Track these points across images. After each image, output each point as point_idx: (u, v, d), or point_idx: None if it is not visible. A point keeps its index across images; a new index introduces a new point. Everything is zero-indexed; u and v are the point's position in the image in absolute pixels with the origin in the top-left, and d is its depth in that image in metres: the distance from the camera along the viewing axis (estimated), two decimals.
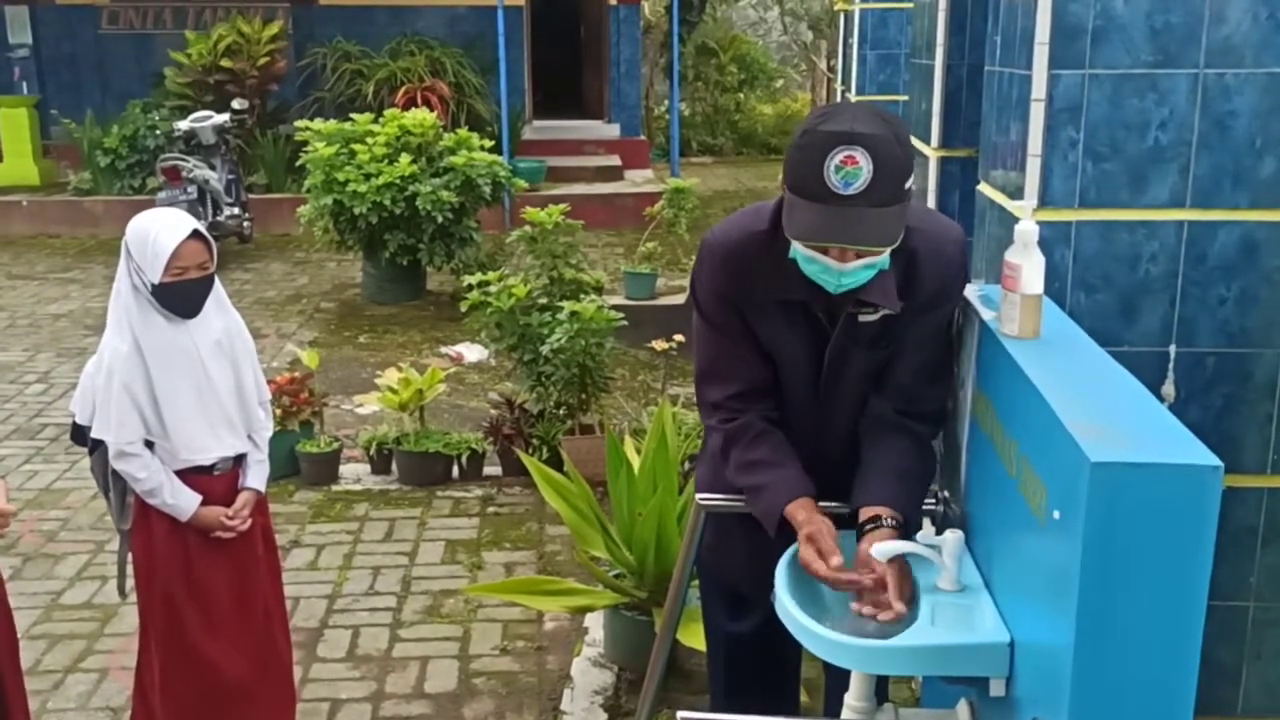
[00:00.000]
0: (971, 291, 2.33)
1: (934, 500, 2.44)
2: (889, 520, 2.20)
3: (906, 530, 2.25)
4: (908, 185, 2.06)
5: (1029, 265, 2.06)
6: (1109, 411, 1.75)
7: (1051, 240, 2.49)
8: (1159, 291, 2.55)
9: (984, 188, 2.97)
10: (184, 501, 2.92)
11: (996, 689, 1.97)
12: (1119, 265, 2.54)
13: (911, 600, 2.11)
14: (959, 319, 2.34)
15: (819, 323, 2.27)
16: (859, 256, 2.08)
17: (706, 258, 2.33)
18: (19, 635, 2.84)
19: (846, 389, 2.33)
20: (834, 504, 2.34)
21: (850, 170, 1.97)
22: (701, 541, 2.62)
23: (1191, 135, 2.49)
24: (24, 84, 12.67)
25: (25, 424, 6.15)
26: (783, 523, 2.27)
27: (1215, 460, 1.57)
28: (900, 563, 2.14)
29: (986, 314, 2.19)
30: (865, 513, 2.24)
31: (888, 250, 2.10)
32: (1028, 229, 2.08)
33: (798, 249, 2.12)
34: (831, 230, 2.03)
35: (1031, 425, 1.84)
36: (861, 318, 2.24)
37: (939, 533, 2.17)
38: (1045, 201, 2.53)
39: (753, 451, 2.31)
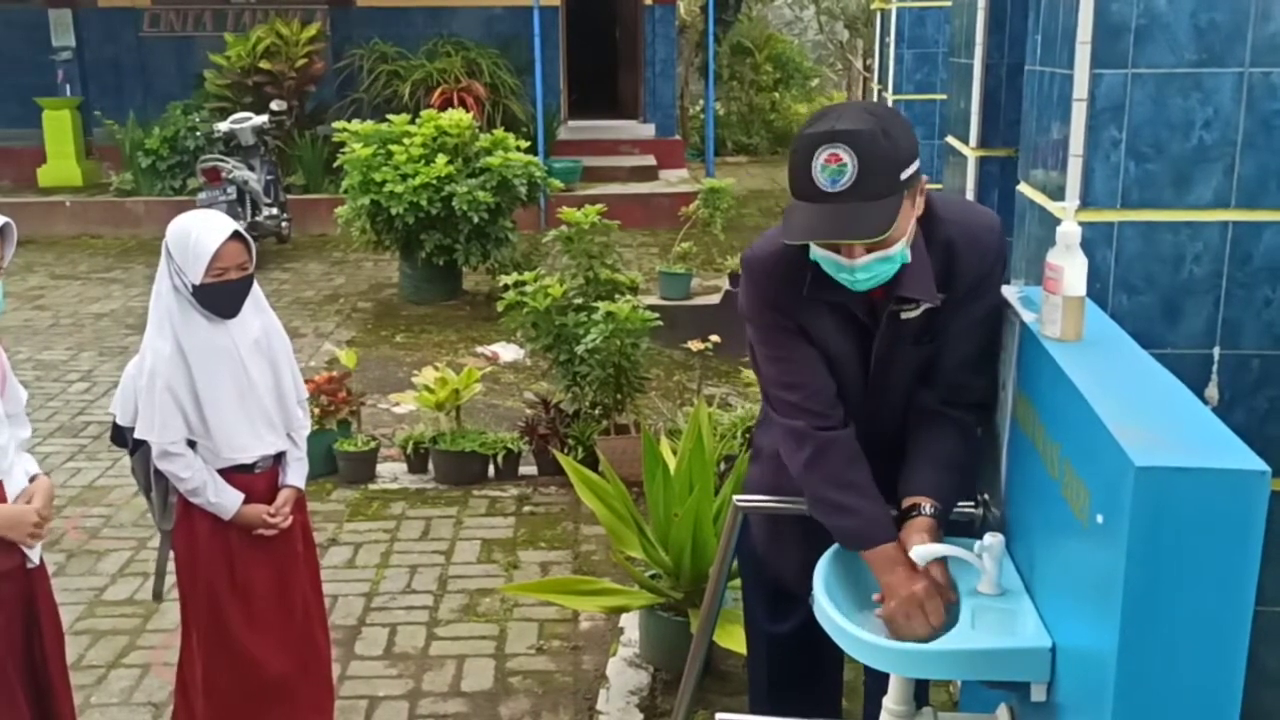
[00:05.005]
0: (1012, 293, 2.32)
1: (974, 503, 2.43)
2: (928, 508, 2.22)
3: (946, 518, 2.27)
4: (903, 175, 2.06)
5: (1071, 267, 2.04)
6: (1153, 415, 1.74)
7: (1093, 241, 2.46)
8: (1203, 293, 2.52)
9: (1024, 188, 2.95)
10: (227, 500, 2.95)
11: (1038, 694, 1.95)
12: (1162, 266, 2.52)
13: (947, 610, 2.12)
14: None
15: (863, 323, 2.27)
16: (868, 251, 2.09)
17: (748, 273, 2.36)
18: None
19: (895, 386, 2.34)
20: None
21: (835, 168, 2.02)
22: (745, 540, 2.62)
23: (1236, 135, 2.46)
24: (67, 86, 12.85)
25: (68, 422, 6.23)
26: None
27: (1262, 465, 1.55)
28: (940, 568, 2.14)
29: (1028, 316, 2.18)
30: (907, 501, 2.27)
31: (900, 244, 2.10)
32: (1070, 230, 2.06)
33: (815, 251, 2.14)
34: (821, 227, 2.07)
35: (1075, 428, 1.82)
36: (904, 314, 2.25)
37: (979, 535, 2.16)
38: (1087, 202, 2.51)
39: (850, 472, 2.30)
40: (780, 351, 2.34)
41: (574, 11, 13.92)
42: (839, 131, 2.02)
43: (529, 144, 8.91)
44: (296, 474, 3.10)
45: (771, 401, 2.42)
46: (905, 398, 2.36)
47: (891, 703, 2.23)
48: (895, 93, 7.89)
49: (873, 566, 2.22)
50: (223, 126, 10.08)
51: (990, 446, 2.38)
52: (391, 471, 5.47)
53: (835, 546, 2.32)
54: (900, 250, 2.12)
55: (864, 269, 2.11)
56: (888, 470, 2.34)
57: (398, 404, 6.02)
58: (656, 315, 5.21)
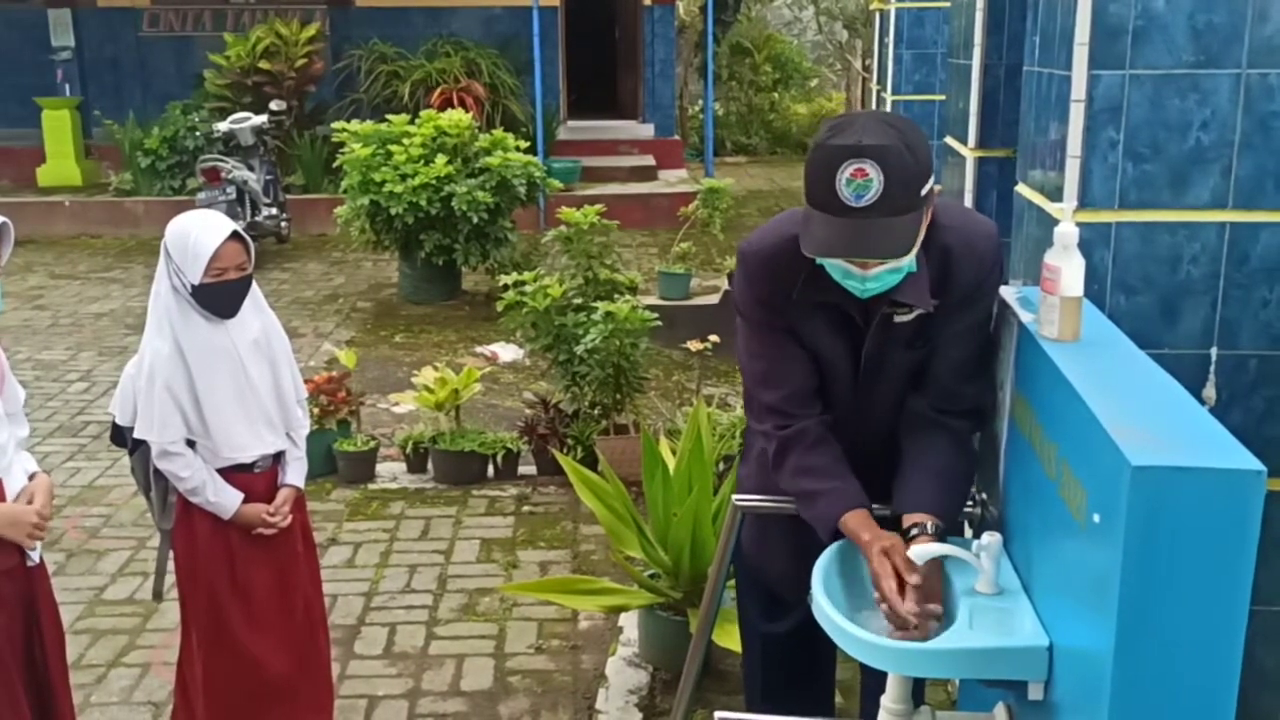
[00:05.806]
0: (1010, 294, 2.32)
1: (972, 503, 2.43)
2: (931, 527, 2.21)
3: (949, 531, 2.26)
4: (924, 191, 2.06)
5: (1069, 268, 2.05)
6: (1150, 415, 1.74)
7: (1091, 242, 2.47)
8: (1200, 293, 2.52)
9: (1022, 188, 2.96)
10: (226, 499, 2.95)
11: (1035, 693, 1.96)
12: (1160, 267, 2.53)
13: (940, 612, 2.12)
14: (996, 318, 2.33)
15: (855, 324, 2.28)
16: (881, 263, 2.09)
17: (743, 265, 2.36)
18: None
19: (885, 388, 2.34)
20: (875, 506, 2.34)
21: (861, 183, 1.99)
22: (740, 541, 2.63)
23: (1234, 136, 2.47)
24: (66, 86, 12.85)
25: (68, 421, 6.24)
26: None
27: (1258, 465, 1.55)
28: (935, 566, 2.14)
29: (1025, 316, 2.18)
30: (908, 519, 2.25)
31: (909, 255, 2.10)
32: (1068, 231, 2.07)
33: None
34: (845, 243, 2.05)
35: (1072, 428, 1.83)
36: (897, 318, 2.25)
37: (977, 535, 2.17)
38: (1085, 203, 2.52)
39: (811, 458, 2.32)
40: (766, 349, 2.35)
41: (573, 11, 13.92)
42: (866, 146, 1.99)
43: (528, 144, 8.91)
44: (296, 473, 3.11)
45: (749, 399, 2.43)
46: (897, 400, 2.36)
47: (889, 701, 2.23)
48: (894, 93, 7.91)
49: (853, 539, 2.23)
50: (222, 126, 10.08)
51: (988, 447, 2.39)
52: (391, 471, 5.47)
53: (833, 546, 2.33)
54: (909, 261, 2.12)
55: (875, 279, 2.12)
56: (879, 472, 2.34)
57: (397, 404, 6.03)
58: (656, 315, 5.22)
